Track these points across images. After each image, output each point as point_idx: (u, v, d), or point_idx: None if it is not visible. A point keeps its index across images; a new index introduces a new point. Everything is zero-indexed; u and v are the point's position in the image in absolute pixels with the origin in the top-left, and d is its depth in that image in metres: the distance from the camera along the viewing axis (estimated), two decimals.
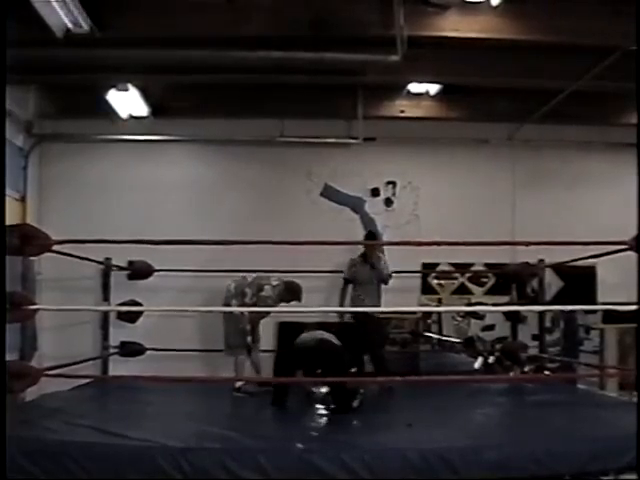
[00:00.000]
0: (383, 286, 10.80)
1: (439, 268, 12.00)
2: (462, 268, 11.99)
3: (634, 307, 6.86)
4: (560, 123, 11.63)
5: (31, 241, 6.68)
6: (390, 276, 10.78)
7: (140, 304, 10.60)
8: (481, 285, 12.16)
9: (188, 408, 7.93)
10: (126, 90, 10.39)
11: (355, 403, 8.09)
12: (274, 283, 10.13)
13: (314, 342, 8.66)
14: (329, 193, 12.02)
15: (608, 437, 6.31)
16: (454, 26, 8.43)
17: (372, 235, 11.17)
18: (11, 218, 7.61)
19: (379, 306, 10.58)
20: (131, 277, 11.24)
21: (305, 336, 8.88)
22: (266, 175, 11.93)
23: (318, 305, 10.71)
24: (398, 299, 11.09)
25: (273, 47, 8.74)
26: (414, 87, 10.99)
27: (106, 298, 11.21)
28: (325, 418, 7.73)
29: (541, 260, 11.14)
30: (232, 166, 11.94)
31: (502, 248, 10.79)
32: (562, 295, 11.84)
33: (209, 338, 11.00)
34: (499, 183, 12.13)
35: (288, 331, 10.24)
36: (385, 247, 11.59)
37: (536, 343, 11.41)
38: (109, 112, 10.92)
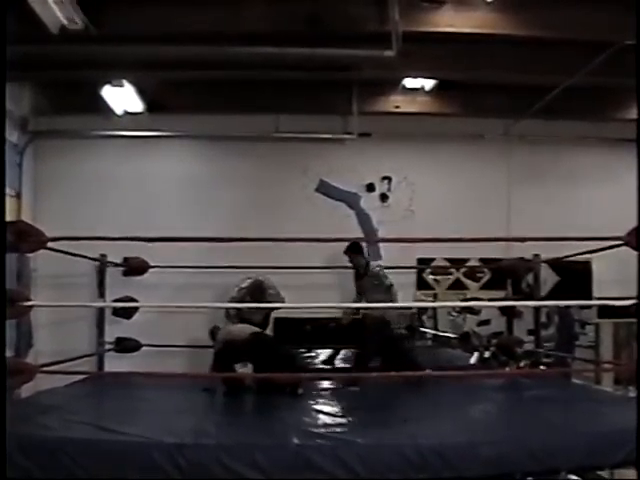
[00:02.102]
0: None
1: (434, 263, 12.00)
2: (457, 263, 12.00)
3: (630, 302, 6.87)
4: (555, 118, 11.64)
5: (26, 238, 6.68)
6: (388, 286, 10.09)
7: (135, 301, 10.60)
8: (476, 280, 12.17)
9: (184, 404, 7.92)
10: (121, 86, 10.38)
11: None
12: (243, 285, 10.34)
13: (247, 336, 9.14)
14: (324, 189, 12.02)
15: (604, 432, 6.31)
16: (449, 21, 8.47)
17: (356, 245, 10.36)
18: (6, 215, 7.59)
19: (376, 314, 9.93)
20: (126, 274, 11.23)
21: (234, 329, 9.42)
22: (261, 171, 11.92)
23: (313, 301, 10.65)
24: None
25: (268, 43, 8.74)
26: (409, 82, 11.00)
27: (101, 294, 11.20)
28: None
29: (536, 255, 11.14)
30: (227, 162, 11.93)
31: (497, 243, 10.80)
32: (558, 290, 11.84)
33: (205, 334, 11.01)
34: (494, 178, 12.14)
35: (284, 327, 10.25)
36: (380, 243, 11.66)
37: (532, 338, 11.42)
38: (104, 108, 10.91)
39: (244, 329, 9.34)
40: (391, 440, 6.08)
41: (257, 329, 9.49)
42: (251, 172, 11.89)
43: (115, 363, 10.89)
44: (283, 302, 10.49)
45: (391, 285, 10.04)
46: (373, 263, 10.29)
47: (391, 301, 10.00)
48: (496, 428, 7.11)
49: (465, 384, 9.48)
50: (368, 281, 10.10)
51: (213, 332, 9.84)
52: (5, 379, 6.07)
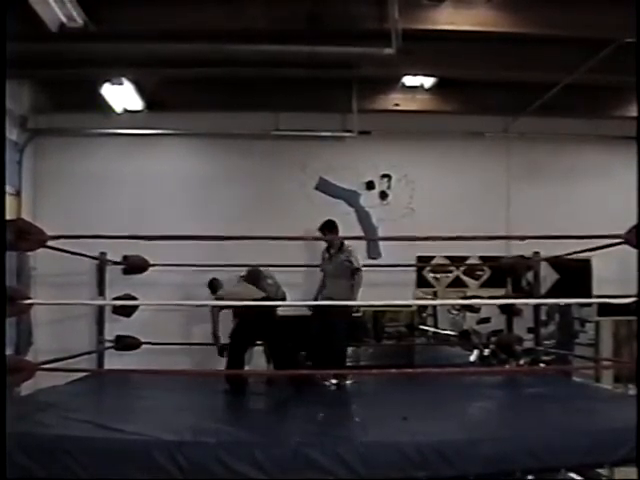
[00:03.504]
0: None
1: (434, 261, 11.98)
2: (457, 261, 11.99)
3: (629, 300, 6.87)
4: (555, 116, 11.63)
5: (26, 236, 6.69)
6: (355, 269, 10.14)
7: (135, 299, 10.59)
8: (476, 278, 12.16)
9: (183, 402, 7.93)
10: (121, 84, 10.36)
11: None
12: (242, 274, 10.45)
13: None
14: (324, 186, 12.01)
15: (604, 430, 6.33)
16: (449, 19, 8.44)
17: (330, 223, 10.50)
18: (6, 213, 7.60)
19: (341, 299, 9.90)
20: (126, 272, 11.22)
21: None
22: (261, 169, 11.91)
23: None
24: (393, 292, 11.10)
25: (268, 40, 8.74)
26: (409, 80, 10.98)
27: (101, 293, 11.20)
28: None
29: (536, 253, 11.16)
30: (227, 160, 11.92)
31: (497, 241, 10.80)
32: (557, 288, 11.84)
33: (204, 332, 11.00)
34: (494, 176, 12.12)
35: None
36: (380, 241, 11.65)
37: (531, 336, 11.43)
38: (104, 106, 10.90)
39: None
40: (391, 438, 6.09)
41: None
42: (251, 170, 11.87)
43: (115, 361, 10.90)
44: (284, 295, 10.50)
45: (358, 269, 10.06)
46: (347, 243, 10.25)
47: (352, 286, 9.99)
48: (496, 426, 7.13)
49: (465, 382, 9.49)
50: (338, 261, 10.12)
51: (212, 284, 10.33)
52: (5, 377, 6.07)
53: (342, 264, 10.07)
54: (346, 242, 10.25)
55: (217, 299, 9.76)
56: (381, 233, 11.98)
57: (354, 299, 9.99)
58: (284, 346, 9.55)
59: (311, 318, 10.20)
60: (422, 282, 12.00)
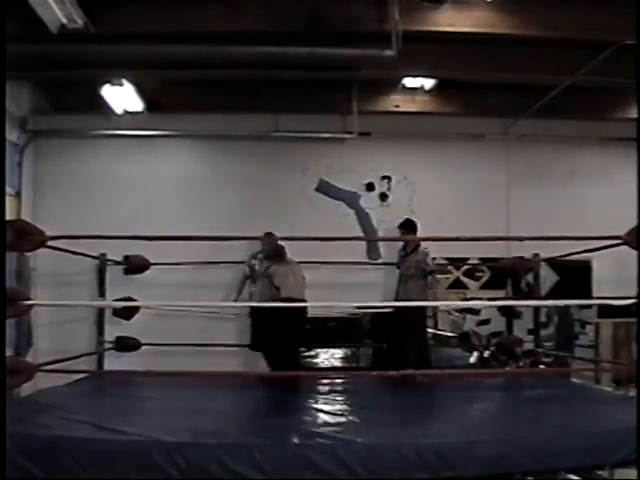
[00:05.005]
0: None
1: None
2: (457, 262, 11.99)
3: (629, 301, 6.87)
4: (555, 118, 11.66)
5: (26, 237, 6.68)
6: (429, 272, 10.36)
7: (135, 301, 10.55)
8: (476, 280, 12.17)
9: (183, 403, 7.91)
10: (121, 85, 10.38)
11: None
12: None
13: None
14: (324, 188, 12.02)
15: (603, 432, 6.30)
16: (449, 21, 8.45)
17: (409, 222, 10.73)
18: (6, 214, 7.60)
19: (410, 298, 10.13)
20: (127, 272, 11.21)
21: None
22: (261, 170, 11.92)
23: (312, 300, 10.57)
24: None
25: (268, 42, 8.74)
26: (409, 82, 11.00)
27: (102, 293, 11.19)
28: None
29: (536, 254, 11.15)
30: (227, 161, 11.93)
31: (497, 242, 10.79)
32: (557, 290, 11.84)
33: (204, 333, 11.00)
34: (494, 178, 12.14)
35: None
36: (380, 242, 11.66)
37: (531, 337, 11.41)
38: (104, 108, 10.91)
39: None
40: (391, 440, 6.07)
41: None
42: (251, 172, 11.88)
43: (115, 362, 10.89)
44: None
45: (432, 271, 10.29)
46: (423, 245, 10.38)
47: (425, 286, 10.26)
48: (496, 428, 7.10)
49: (465, 384, 9.47)
50: (411, 261, 10.24)
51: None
52: (5, 378, 6.07)
53: (416, 264, 10.12)
54: (422, 244, 10.34)
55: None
56: (381, 234, 11.99)
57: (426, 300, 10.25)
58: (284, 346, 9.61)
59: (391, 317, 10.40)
60: None
